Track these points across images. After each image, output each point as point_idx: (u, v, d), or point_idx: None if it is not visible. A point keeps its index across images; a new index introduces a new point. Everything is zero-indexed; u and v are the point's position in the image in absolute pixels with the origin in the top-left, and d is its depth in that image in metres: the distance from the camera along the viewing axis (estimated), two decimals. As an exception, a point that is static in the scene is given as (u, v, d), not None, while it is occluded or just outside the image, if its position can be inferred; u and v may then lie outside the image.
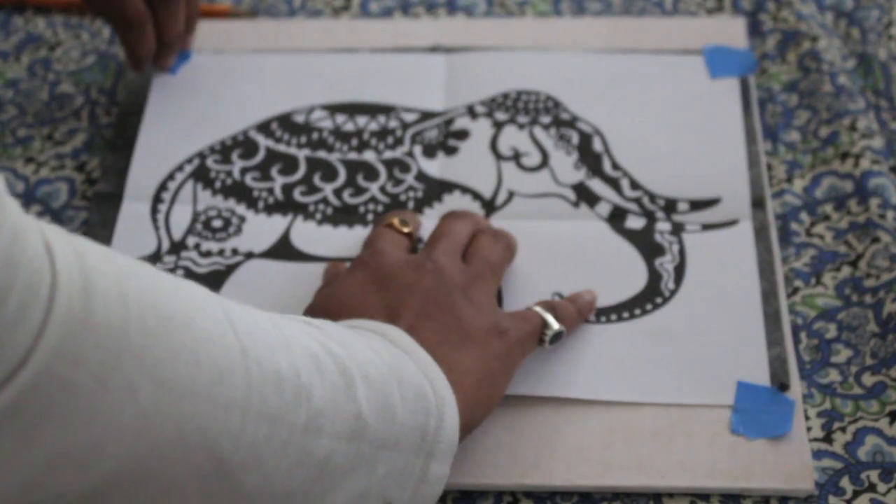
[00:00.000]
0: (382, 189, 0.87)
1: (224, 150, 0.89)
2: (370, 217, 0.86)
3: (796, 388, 0.77)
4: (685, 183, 0.87)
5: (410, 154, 0.89)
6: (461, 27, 0.98)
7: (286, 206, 0.86)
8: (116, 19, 0.90)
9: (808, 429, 0.75)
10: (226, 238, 0.85)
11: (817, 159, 0.89)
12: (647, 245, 0.84)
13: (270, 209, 0.86)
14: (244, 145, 0.90)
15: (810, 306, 0.81)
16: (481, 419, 0.72)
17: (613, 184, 0.87)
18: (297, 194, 0.87)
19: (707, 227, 0.85)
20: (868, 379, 0.78)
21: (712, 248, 0.83)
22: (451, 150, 0.89)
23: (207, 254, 0.84)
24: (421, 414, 0.65)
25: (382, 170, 0.88)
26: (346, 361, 0.61)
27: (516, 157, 0.88)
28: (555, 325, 0.76)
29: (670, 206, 0.86)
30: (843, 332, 0.80)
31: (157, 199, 0.87)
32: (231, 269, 0.83)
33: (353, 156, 0.89)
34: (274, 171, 0.88)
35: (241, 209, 0.86)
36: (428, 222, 0.85)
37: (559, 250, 0.84)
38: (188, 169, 0.88)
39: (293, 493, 0.58)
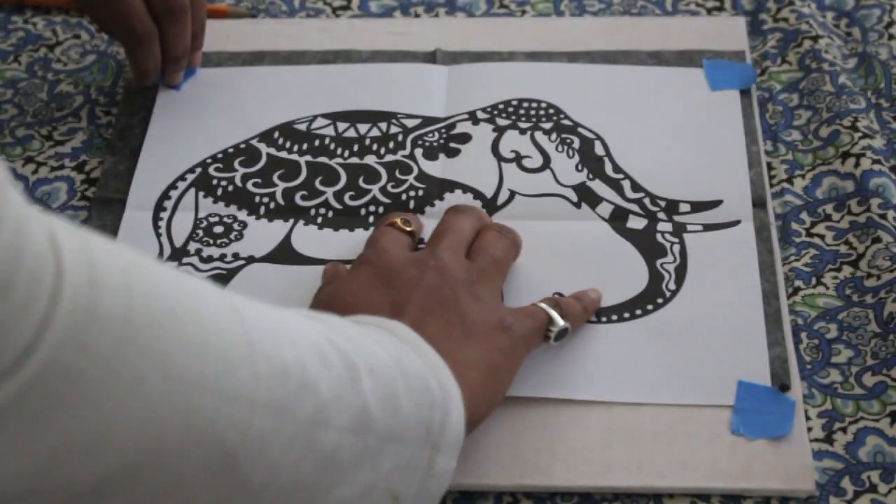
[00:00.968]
0: (383, 190, 0.87)
1: (226, 159, 0.89)
2: (371, 219, 0.86)
3: (797, 388, 0.77)
4: (686, 185, 0.87)
5: (411, 156, 0.89)
6: (461, 27, 0.98)
7: (287, 210, 0.86)
8: (123, 35, 0.90)
9: (809, 429, 0.75)
10: (227, 243, 0.84)
11: (818, 159, 0.89)
12: (648, 245, 0.84)
13: (272, 214, 0.86)
14: (246, 153, 0.89)
15: (811, 306, 0.81)
16: (486, 414, 0.72)
17: (615, 185, 0.87)
18: (298, 199, 0.87)
19: (708, 227, 0.84)
20: (869, 379, 0.77)
21: (713, 248, 0.83)
22: (452, 153, 0.89)
23: (209, 259, 0.84)
24: (426, 407, 0.64)
25: (383, 172, 0.88)
26: (351, 355, 0.61)
27: (518, 159, 0.88)
28: (560, 321, 0.76)
29: (671, 208, 0.85)
30: (843, 333, 0.80)
31: (159, 208, 0.87)
32: (232, 273, 0.83)
33: (353, 160, 0.89)
34: (275, 177, 0.88)
35: (242, 215, 0.86)
36: (429, 221, 0.85)
37: (560, 250, 0.84)
38: (190, 178, 0.88)
39: (300, 486, 0.58)
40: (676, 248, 0.84)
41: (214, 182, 0.88)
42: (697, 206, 0.86)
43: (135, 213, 0.87)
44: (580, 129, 0.90)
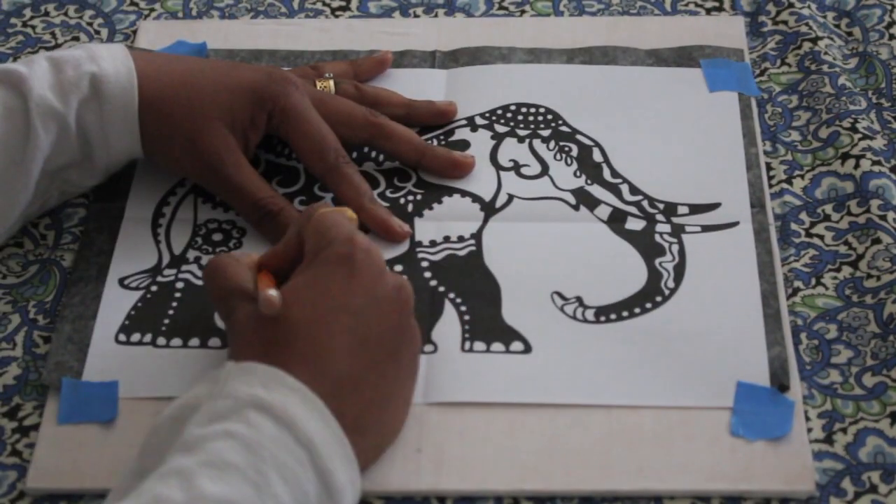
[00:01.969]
0: (381, 195, 0.87)
1: None
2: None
3: (796, 388, 0.77)
4: (684, 188, 0.87)
5: None
6: (460, 27, 0.98)
7: None
8: None
9: (809, 430, 0.75)
10: (226, 250, 0.84)
11: (817, 160, 0.89)
12: (646, 245, 0.84)
13: (271, 219, 0.86)
14: None
15: (810, 307, 0.81)
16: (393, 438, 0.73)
17: (613, 189, 0.87)
18: (297, 204, 0.87)
19: (707, 228, 0.84)
20: (869, 380, 0.77)
21: (712, 248, 0.83)
22: None
23: None
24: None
25: (381, 179, 0.88)
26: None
27: (516, 167, 0.88)
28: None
29: (670, 210, 0.85)
30: (843, 333, 0.80)
31: (157, 214, 0.87)
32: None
33: None
34: (274, 183, 0.88)
35: (241, 221, 0.86)
36: (427, 224, 0.85)
37: (558, 251, 0.84)
38: (189, 184, 0.88)
39: None
40: (675, 247, 0.84)
41: None
42: (696, 209, 0.85)
43: (133, 220, 0.87)
44: (578, 136, 0.90)
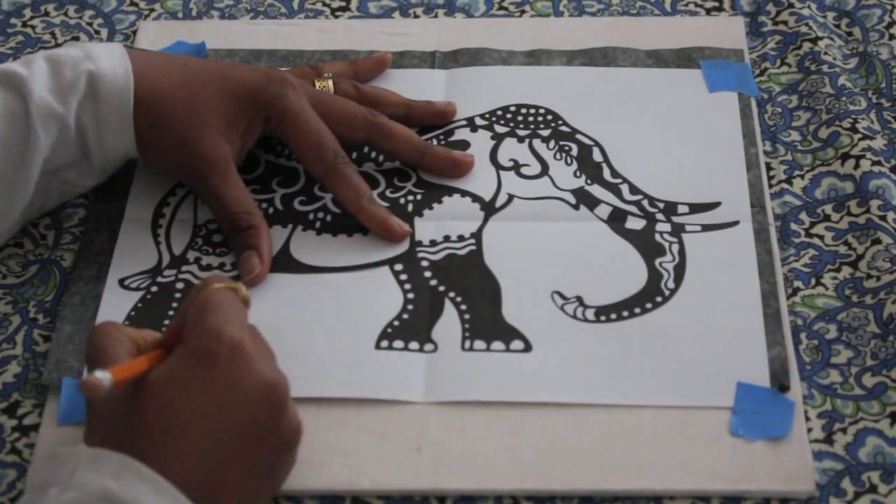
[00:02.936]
0: (382, 195, 0.87)
1: None
2: (370, 223, 0.86)
3: (797, 389, 0.77)
4: (684, 187, 0.87)
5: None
6: (460, 28, 0.98)
7: (286, 216, 0.86)
8: None
9: (809, 430, 0.75)
10: (226, 252, 0.84)
11: (817, 160, 0.89)
12: (646, 245, 0.84)
13: (270, 220, 0.86)
14: (245, 159, 0.89)
15: (810, 307, 0.81)
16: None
17: (613, 189, 0.87)
18: (296, 204, 0.87)
19: (707, 227, 0.85)
20: (869, 380, 0.77)
21: (712, 248, 0.83)
22: None
23: (208, 268, 0.83)
24: None
25: (382, 179, 0.88)
26: None
27: (516, 167, 0.88)
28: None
29: (670, 209, 0.85)
30: (843, 333, 0.80)
31: (157, 215, 0.87)
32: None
33: None
34: (274, 184, 0.88)
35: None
36: (427, 224, 0.85)
37: (559, 251, 0.84)
38: None
39: None
40: (675, 247, 0.84)
41: None
42: (696, 208, 0.85)
43: (133, 221, 0.86)
44: (578, 136, 0.90)
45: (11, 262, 0.85)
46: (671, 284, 0.82)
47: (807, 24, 0.95)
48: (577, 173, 0.88)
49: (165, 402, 0.66)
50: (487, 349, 0.79)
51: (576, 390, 0.77)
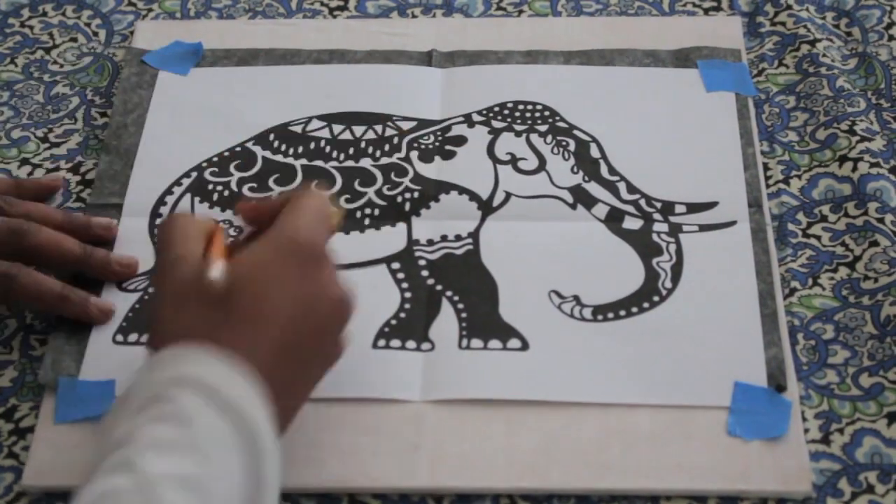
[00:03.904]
0: (379, 193, 0.87)
1: (222, 163, 0.89)
2: (367, 221, 0.86)
3: (793, 389, 0.77)
4: (682, 187, 0.87)
5: (407, 159, 0.89)
6: (458, 28, 0.98)
7: None
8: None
9: (806, 430, 0.75)
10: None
11: (814, 160, 0.89)
12: (644, 245, 0.84)
13: (270, 220, 0.86)
14: (242, 157, 0.89)
15: (807, 307, 0.81)
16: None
17: (611, 188, 0.87)
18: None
19: (704, 227, 0.85)
20: (866, 380, 0.78)
21: (709, 248, 0.83)
22: (447, 155, 0.89)
23: None
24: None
25: (379, 175, 0.88)
26: None
27: (513, 161, 0.88)
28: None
29: (667, 209, 0.85)
30: (840, 334, 0.80)
31: (155, 214, 0.87)
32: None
33: (349, 163, 0.89)
34: (271, 182, 0.88)
35: (238, 220, 0.86)
36: (425, 223, 0.85)
37: (556, 250, 0.84)
38: (186, 183, 0.88)
39: None
40: (672, 247, 0.84)
41: (210, 187, 0.88)
42: (693, 208, 0.86)
43: (131, 219, 0.86)
44: (576, 132, 0.90)
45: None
46: (668, 284, 0.82)
47: (805, 27, 0.96)
48: (575, 169, 0.88)
49: (256, 293, 0.67)
50: (484, 348, 0.79)
51: (573, 389, 0.77)
